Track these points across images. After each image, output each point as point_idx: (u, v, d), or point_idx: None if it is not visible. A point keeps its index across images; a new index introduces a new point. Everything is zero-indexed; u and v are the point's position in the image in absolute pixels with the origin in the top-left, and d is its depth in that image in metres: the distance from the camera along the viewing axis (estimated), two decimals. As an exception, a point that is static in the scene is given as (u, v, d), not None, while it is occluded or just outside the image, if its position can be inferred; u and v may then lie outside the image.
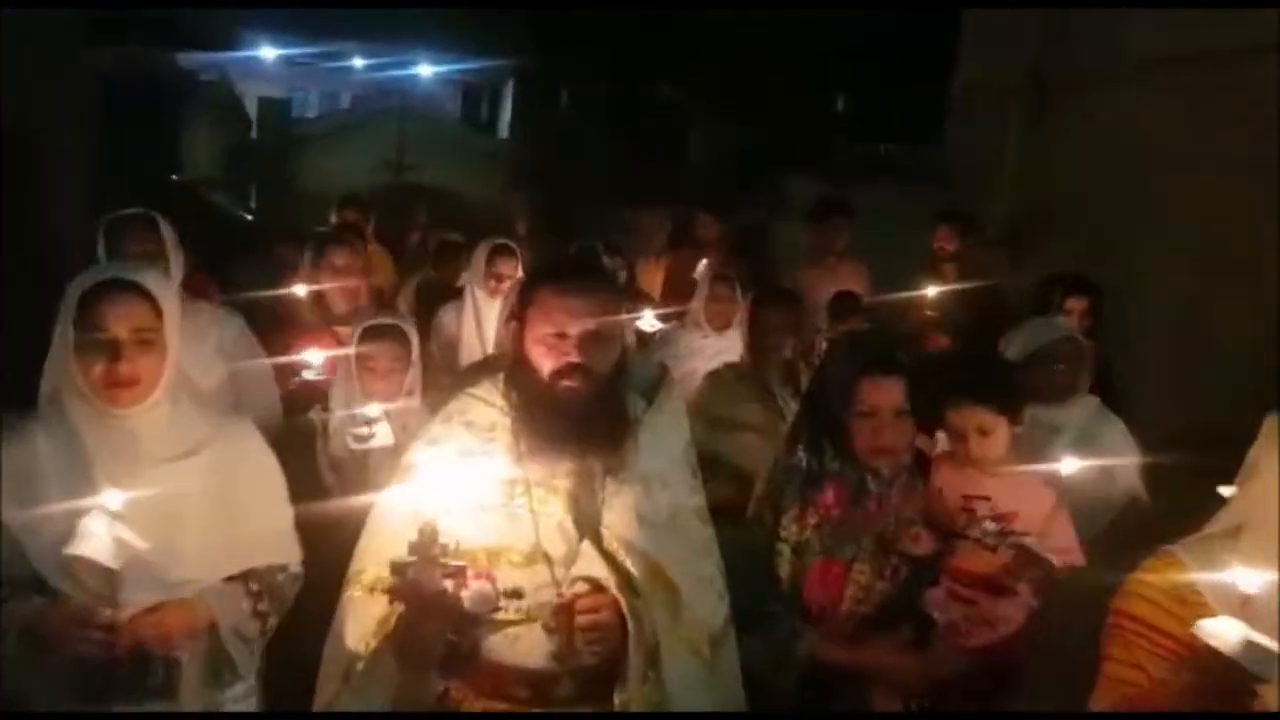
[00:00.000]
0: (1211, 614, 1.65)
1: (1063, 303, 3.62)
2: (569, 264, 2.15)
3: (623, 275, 4.92)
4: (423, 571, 1.67)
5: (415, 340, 2.99)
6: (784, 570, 2.27)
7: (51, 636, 1.87)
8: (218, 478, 2.05)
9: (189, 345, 2.57)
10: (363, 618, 1.86)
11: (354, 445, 2.74)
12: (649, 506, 1.89)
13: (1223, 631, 1.59)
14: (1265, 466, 1.71)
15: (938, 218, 4.94)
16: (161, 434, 2.00)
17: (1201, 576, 1.75)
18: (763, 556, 2.25)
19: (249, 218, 9.66)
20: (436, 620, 1.72)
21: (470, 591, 1.74)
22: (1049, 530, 2.37)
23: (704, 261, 5.20)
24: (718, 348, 4.00)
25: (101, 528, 1.81)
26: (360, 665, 1.84)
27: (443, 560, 1.68)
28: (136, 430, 1.97)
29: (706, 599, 1.94)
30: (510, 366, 1.94)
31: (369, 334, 2.93)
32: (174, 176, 7.99)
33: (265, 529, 2.13)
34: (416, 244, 5.85)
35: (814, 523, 2.28)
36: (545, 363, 1.83)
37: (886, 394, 2.26)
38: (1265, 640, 1.54)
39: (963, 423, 2.51)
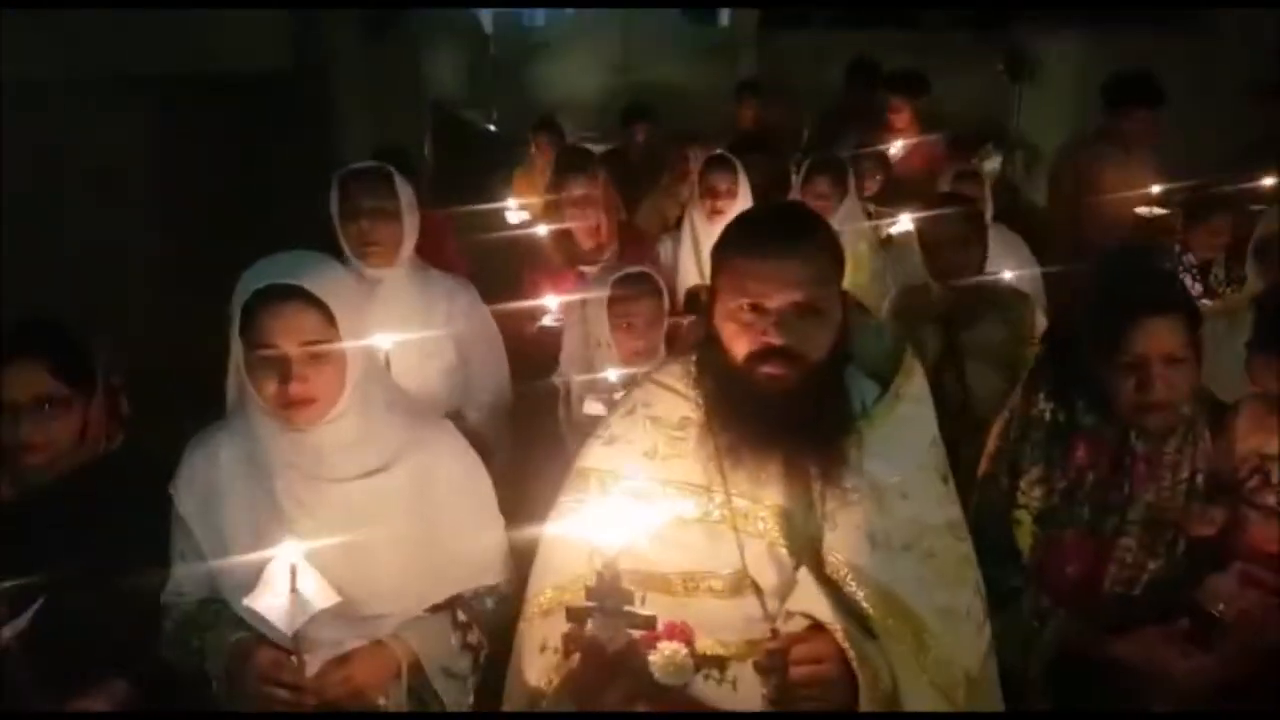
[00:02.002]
0: None
1: None
2: (767, 218, 1.63)
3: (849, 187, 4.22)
4: (604, 624, 1.35)
5: (666, 291, 2.65)
6: (1024, 542, 1.89)
7: (239, 684, 1.69)
8: (415, 493, 1.77)
9: (415, 320, 2.43)
10: (537, 652, 1.59)
11: (589, 411, 2.39)
12: (883, 524, 1.50)
13: None
14: None
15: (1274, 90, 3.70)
16: (349, 449, 1.73)
17: None
18: (1001, 524, 1.88)
19: (493, 129, 10.18)
20: (619, 682, 1.40)
21: (660, 658, 1.43)
22: None
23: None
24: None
25: (282, 584, 1.53)
26: (545, 703, 1.56)
27: (628, 609, 1.35)
28: (320, 446, 1.72)
29: (962, 634, 1.55)
30: (702, 346, 1.58)
31: (621, 285, 2.57)
32: (431, 99, 8.58)
33: (472, 547, 1.84)
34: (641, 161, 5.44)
35: (1062, 487, 1.87)
36: (738, 343, 1.48)
37: (1160, 339, 1.79)
38: None
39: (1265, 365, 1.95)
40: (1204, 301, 2.96)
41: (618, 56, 10.28)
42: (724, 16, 11.21)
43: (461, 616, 1.83)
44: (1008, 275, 3.07)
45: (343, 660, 1.72)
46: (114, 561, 1.80)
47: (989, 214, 3.52)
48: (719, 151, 3.47)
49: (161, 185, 4.26)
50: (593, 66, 10.15)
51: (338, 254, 2.55)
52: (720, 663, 1.48)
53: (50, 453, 1.91)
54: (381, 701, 1.75)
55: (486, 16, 11.50)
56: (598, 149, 4.92)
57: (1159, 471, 1.86)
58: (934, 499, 1.57)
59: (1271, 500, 1.86)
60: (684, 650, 1.45)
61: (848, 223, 3.47)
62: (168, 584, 1.85)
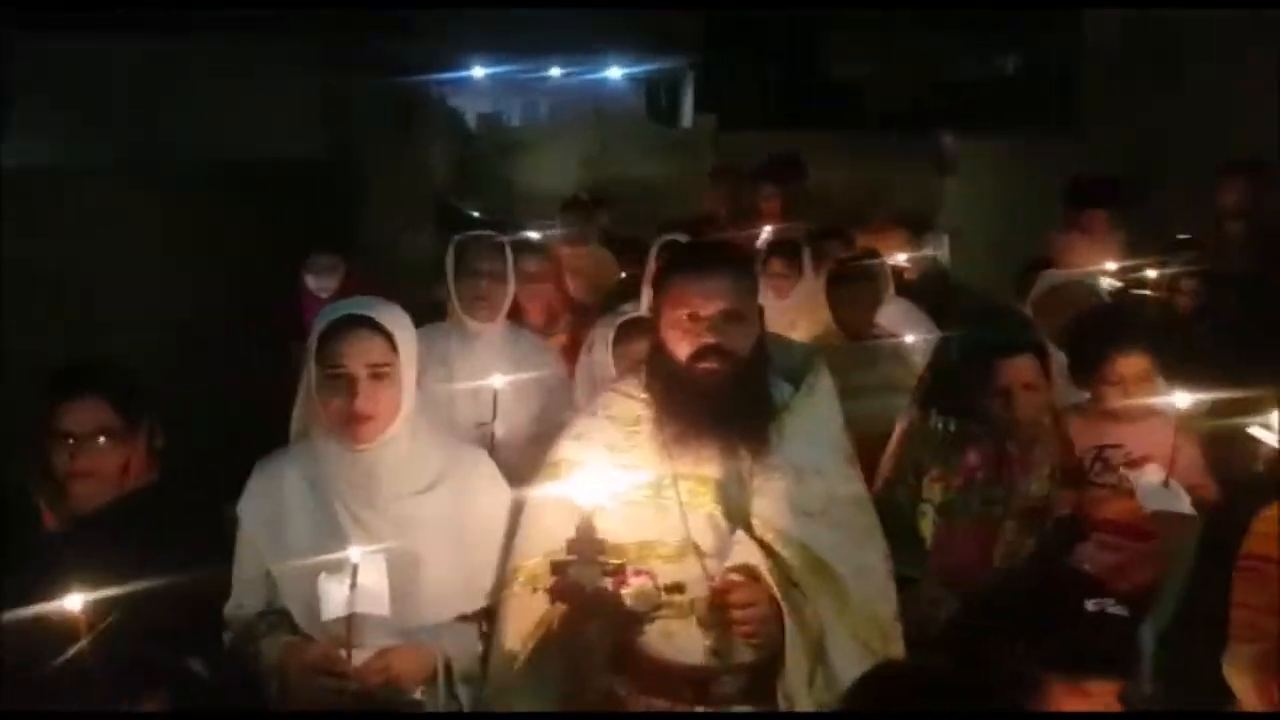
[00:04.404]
0: None
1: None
2: (699, 249, 2.13)
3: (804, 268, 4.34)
4: (583, 570, 1.58)
5: None
6: (927, 531, 2.21)
7: (290, 679, 1.83)
8: (454, 511, 1.93)
9: (513, 369, 2.69)
10: (521, 616, 1.78)
11: None
12: (801, 495, 1.76)
13: None
14: None
15: (1227, 168, 4.24)
16: (399, 468, 1.89)
17: None
18: (907, 518, 2.19)
19: (477, 215, 10.78)
20: (599, 619, 1.64)
21: (631, 589, 1.64)
22: (1177, 467, 2.23)
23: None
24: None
25: (345, 577, 1.70)
26: (518, 664, 1.76)
27: (601, 558, 1.60)
28: (375, 466, 1.88)
29: (873, 589, 1.80)
30: (650, 357, 1.85)
31: (624, 329, 2.73)
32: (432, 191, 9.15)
33: (498, 564, 1.97)
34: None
35: (958, 484, 2.22)
36: (681, 346, 1.74)
37: (1018, 372, 2.19)
38: None
39: (1126, 370, 2.39)
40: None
41: (592, 152, 10.95)
42: (687, 118, 12.05)
43: (485, 627, 1.94)
44: (909, 339, 3.60)
45: (384, 653, 1.82)
46: (155, 584, 1.85)
47: (890, 289, 3.98)
48: (673, 236, 3.52)
49: (195, 263, 4.64)
50: (570, 161, 10.81)
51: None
52: (679, 589, 1.72)
53: (98, 483, 1.99)
54: (418, 695, 1.86)
55: (471, 115, 12.26)
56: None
57: (1029, 469, 2.27)
58: (842, 476, 1.85)
59: (1112, 479, 2.31)
60: (650, 583, 1.67)
61: (805, 302, 3.61)
62: (230, 599, 1.97)
